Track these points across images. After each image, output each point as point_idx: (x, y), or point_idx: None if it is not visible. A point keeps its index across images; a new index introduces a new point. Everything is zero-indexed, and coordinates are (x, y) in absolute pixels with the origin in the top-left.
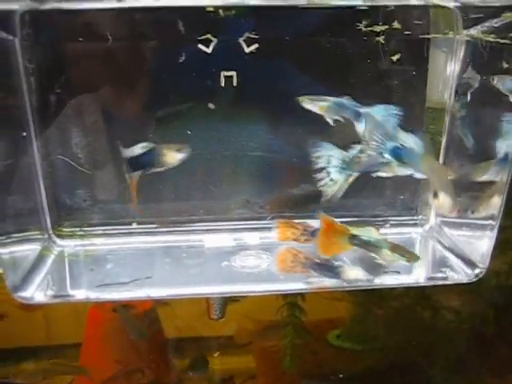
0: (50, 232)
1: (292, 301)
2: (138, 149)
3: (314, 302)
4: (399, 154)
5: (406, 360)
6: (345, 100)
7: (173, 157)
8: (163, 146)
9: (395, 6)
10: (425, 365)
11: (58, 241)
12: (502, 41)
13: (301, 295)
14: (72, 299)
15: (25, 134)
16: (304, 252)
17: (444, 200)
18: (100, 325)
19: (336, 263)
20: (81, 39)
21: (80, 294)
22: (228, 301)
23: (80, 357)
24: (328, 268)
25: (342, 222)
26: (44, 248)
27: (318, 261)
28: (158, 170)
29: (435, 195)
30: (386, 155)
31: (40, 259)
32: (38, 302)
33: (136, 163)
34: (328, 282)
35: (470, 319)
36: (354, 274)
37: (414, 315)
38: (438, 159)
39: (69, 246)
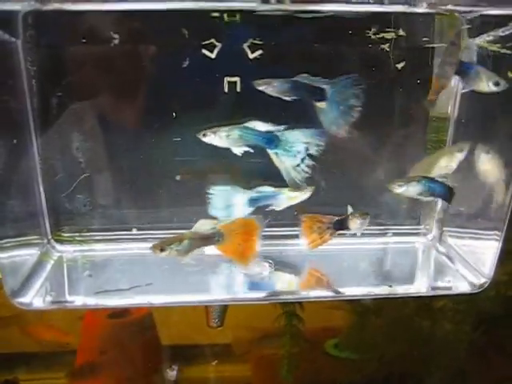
0: (50, 237)
1: (290, 310)
2: None
3: (313, 311)
4: None
5: (403, 370)
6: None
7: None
8: None
9: (401, 14)
10: (423, 375)
11: (57, 246)
12: (508, 51)
13: (299, 304)
14: (71, 305)
15: (15, 141)
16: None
17: None
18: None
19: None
20: (83, 42)
21: (79, 301)
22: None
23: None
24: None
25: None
26: (43, 253)
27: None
28: None
29: None
30: None
31: (39, 264)
32: (36, 308)
33: None
34: (326, 292)
35: (468, 330)
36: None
37: (413, 325)
38: None
39: (68, 251)
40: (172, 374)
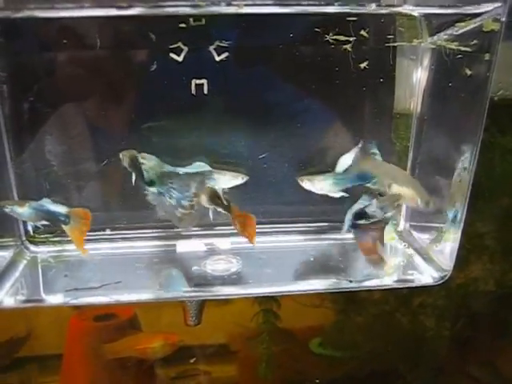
0: (23, 239)
1: (267, 307)
2: None
3: (294, 309)
4: None
5: (386, 366)
6: None
7: None
8: None
9: (362, 15)
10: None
11: (32, 247)
12: (464, 48)
13: (275, 301)
14: (42, 304)
15: None
16: None
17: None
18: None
19: None
20: (53, 48)
21: (50, 299)
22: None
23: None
24: None
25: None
26: (16, 254)
27: None
28: None
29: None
30: None
31: (12, 265)
32: (6, 307)
33: None
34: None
35: (448, 325)
36: None
37: (394, 321)
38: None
39: (42, 252)
40: None
